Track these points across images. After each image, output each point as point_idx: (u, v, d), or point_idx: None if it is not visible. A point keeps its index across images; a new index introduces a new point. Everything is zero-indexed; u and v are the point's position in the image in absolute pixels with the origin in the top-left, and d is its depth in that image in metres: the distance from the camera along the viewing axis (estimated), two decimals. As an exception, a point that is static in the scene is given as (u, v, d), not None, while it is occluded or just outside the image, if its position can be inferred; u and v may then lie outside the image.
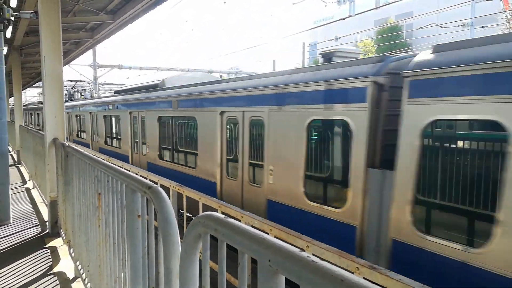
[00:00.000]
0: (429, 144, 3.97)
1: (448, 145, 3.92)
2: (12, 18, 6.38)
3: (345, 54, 6.35)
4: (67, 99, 23.19)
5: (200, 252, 1.51)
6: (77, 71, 37.18)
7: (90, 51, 23.27)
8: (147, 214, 2.16)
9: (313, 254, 2.07)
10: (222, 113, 7.21)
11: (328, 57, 6.33)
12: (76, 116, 17.84)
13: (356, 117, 4.68)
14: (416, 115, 3.95)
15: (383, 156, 4.55)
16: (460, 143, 3.87)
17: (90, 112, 15.27)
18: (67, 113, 18.68)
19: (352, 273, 1.93)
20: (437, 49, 4.11)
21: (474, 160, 3.69)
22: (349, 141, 4.80)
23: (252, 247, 1.15)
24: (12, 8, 6.62)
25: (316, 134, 5.44)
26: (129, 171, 2.61)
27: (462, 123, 3.78)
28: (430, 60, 4.03)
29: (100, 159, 3.02)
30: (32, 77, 23.19)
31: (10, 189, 6.34)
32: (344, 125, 4.92)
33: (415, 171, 3.95)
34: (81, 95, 25.37)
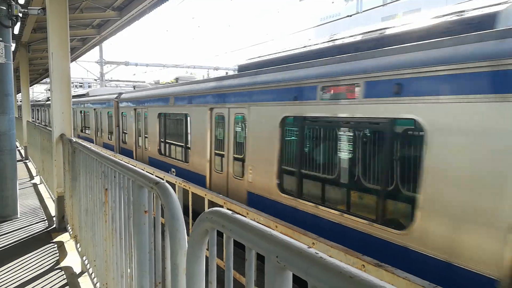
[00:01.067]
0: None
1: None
2: (20, 15, 6.41)
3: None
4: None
5: (207, 249, 1.51)
6: (84, 67, 37.38)
7: (97, 47, 23.38)
8: (154, 210, 2.17)
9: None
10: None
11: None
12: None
13: None
14: None
15: None
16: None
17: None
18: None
19: (359, 270, 1.92)
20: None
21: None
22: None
23: (260, 243, 1.15)
24: (20, 4, 6.65)
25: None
26: (136, 167, 2.61)
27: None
28: None
29: (107, 155, 3.04)
30: (39, 73, 23.33)
31: (18, 184, 6.39)
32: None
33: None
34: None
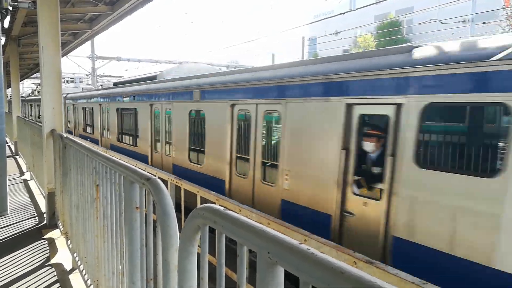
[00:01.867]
0: None
1: None
2: (10, 8, 6.32)
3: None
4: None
5: (199, 246, 1.51)
6: (75, 62, 36.99)
7: (89, 42, 23.10)
8: (145, 206, 2.15)
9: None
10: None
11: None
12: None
13: None
14: None
15: None
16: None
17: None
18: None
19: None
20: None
21: None
22: None
23: (252, 239, 1.15)
24: (10, -3, 6.55)
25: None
26: (127, 163, 2.59)
27: None
28: None
29: (98, 150, 3.01)
30: (30, 68, 23.03)
31: (7, 180, 6.32)
32: None
33: None
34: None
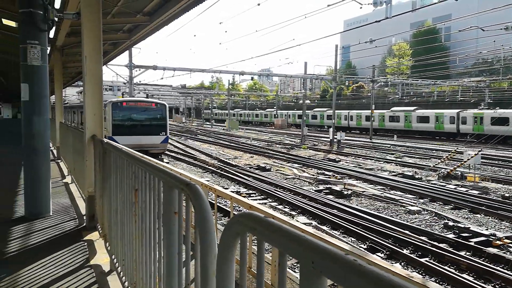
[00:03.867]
0: None
1: None
2: (56, 19, 6.65)
3: None
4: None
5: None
6: (113, 71, 38.36)
7: (127, 51, 23.93)
8: (184, 211, 2.19)
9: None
10: None
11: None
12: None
13: None
14: None
15: None
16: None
17: None
18: None
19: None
20: None
21: None
22: None
23: (294, 248, 1.14)
24: (56, 9, 6.90)
25: None
26: (166, 168, 2.65)
27: None
28: None
29: (138, 156, 3.10)
30: (71, 76, 24.13)
31: (50, 183, 6.61)
32: None
33: None
34: None
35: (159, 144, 20.02)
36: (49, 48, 12.59)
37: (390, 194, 14.57)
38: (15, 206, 6.91)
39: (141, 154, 4.25)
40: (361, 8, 14.04)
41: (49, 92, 10.15)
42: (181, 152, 26.95)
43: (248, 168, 20.06)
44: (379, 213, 11.99)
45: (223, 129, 57.14)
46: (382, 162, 23.39)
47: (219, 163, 21.51)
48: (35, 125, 6.21)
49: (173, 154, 25.59)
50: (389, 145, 33.32)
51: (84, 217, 6.04)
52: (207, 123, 75.41)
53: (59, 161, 13.37)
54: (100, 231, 5.14)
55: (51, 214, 6.40)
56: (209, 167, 20.16)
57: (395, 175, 18.50)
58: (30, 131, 6.19)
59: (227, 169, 19.32)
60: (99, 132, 5.67)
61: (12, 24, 11.07)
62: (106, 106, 18.78)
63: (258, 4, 21.25)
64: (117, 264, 3.88)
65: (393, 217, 11.60)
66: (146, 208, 2.76)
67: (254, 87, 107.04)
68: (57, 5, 7.73)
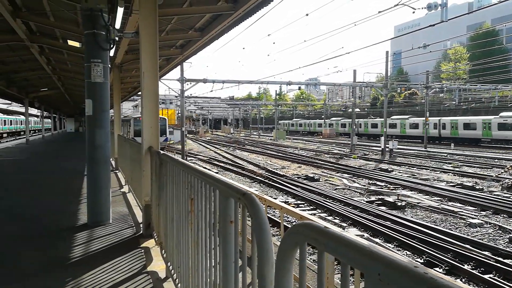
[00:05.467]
0: None
1: None
2: (117, 38, 7.10)
3: None
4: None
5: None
6: (166, 84, 40.08)
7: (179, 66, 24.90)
8: (240, 220, 2.22)
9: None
10: None
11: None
12: None
13: None
14: None
15: None
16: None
17: None
18: None
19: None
20: None
21: None
22: None
23: (359, 259, 1.12)
24: (116, 29, 7.37)
25: None
26: (221, 178, 2.71)
27: None
28: None
29: (193, 165, 3.20)
30: (128, 91, 25.52)
31: (110, 192, 6.99)
32: None
33: None
34: None
35: (161, 142, 29.29)
36: (109, 66, 13.44)
37: (448, 205, 13.78)
38: (78, 214, 7.37)
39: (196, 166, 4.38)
40: (413, 12, 13.60)
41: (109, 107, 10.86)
42: (229, 162, 27.36)
43: (296, 178, 19.92)
44: (437, 225, 11.37)
45: (270, 139, 57.38)
46: (438, 172, 22.23)
47: (267, 173, 21.59)
48: (97, 137, 6.61)
49: (221, 164, 26.06)
50: (445, 154, 31.63)
51: (141, 225, 6.30)
52: (255, 133, 76.13)
53: (117, 171, 14.10)
54: (156, 239, 5.33)
55: (110, 221, 6.75)
56: (257, 177, 20.29)
57: (453, 186, 17.49)
58: (93, 143, 6.61)
59: (275, 179, 19.32)
60: (155, 144, 5.92)
61: (76, 44, 11.98)
62: (130, 120, 33.01)
63: (307, 14, 21.28)
64: (172, 271, 4.00)
65: (452, 230, 10.95)
66: (202, 217, 2.83)
67: (301, 97, 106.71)
68: (117, 25, 8.25)
